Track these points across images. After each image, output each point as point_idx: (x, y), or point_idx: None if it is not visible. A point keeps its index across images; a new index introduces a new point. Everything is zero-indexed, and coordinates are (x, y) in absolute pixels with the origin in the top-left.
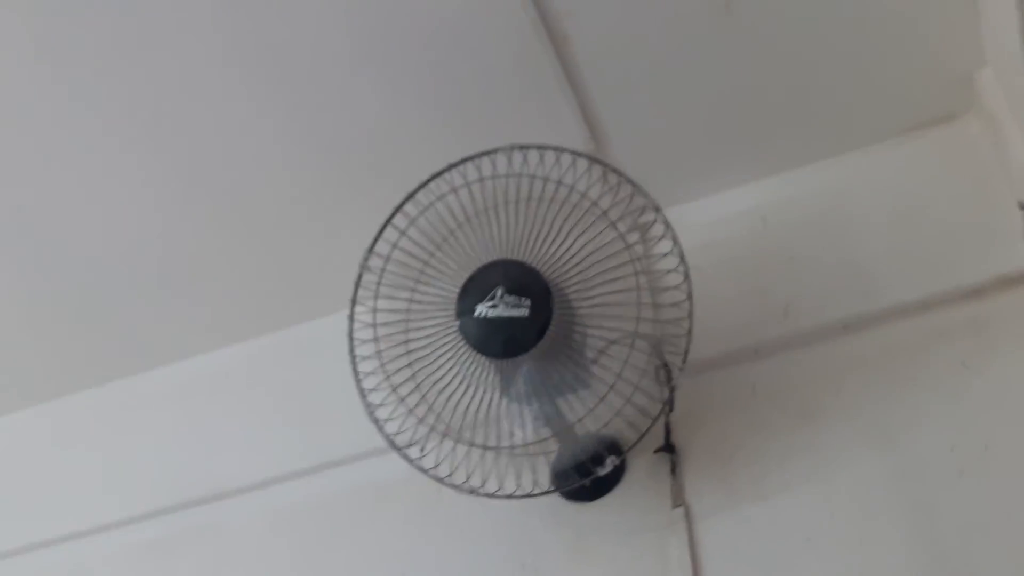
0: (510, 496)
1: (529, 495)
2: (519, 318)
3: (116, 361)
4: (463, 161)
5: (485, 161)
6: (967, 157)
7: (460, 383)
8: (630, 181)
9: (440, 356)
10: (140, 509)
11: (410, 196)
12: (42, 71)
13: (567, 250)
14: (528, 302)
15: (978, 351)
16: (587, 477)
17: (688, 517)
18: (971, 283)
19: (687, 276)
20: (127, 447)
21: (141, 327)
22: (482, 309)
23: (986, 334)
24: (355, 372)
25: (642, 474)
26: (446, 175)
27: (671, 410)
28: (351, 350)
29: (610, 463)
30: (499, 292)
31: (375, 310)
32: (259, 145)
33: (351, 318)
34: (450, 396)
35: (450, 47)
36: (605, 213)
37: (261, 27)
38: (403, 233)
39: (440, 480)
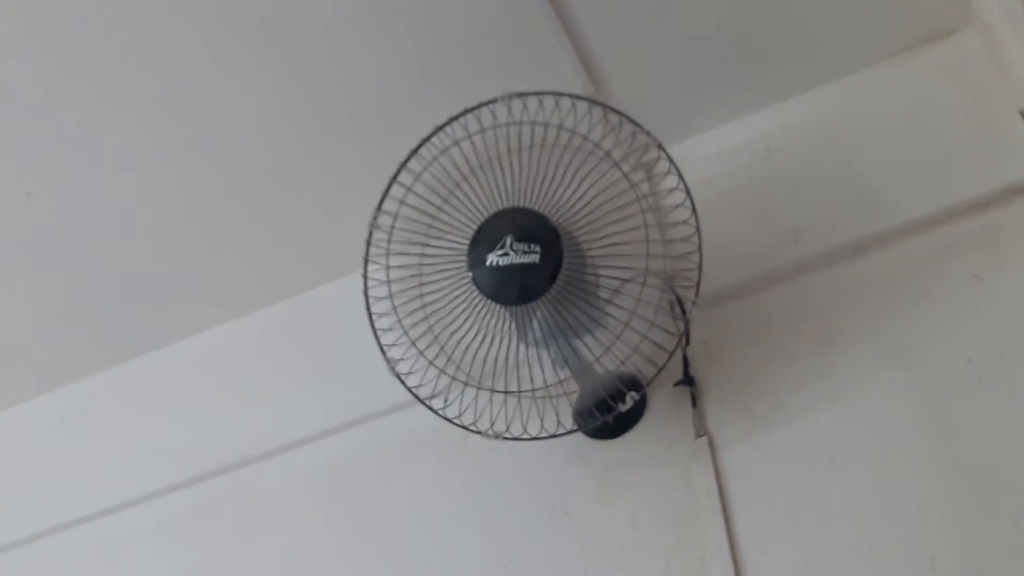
0: (535, 438)
1: (554, 436)
2: (530, 264)
3: (135, 339)
4: (463, 113)
5: (485, 112)
6: (967, 71)
7: (477, 332)
8: (631, 120)
9: (456, 308)
10: (170, 480)
11: (414, 152)
12: (42, 55)
13: (573, 193)
14: (538, 248)
15: (989, 262)
16: (609, 414)
17: (711, 446)
18: (978, 195)
19: (694, 210)
20: (153, 422)
21: (158, 303)
22: (493, 258)
23: (996, 245)
24: (373, 329)
25: (664, 408)
26: (447, 128)
27: (688, 343)
28: (367, 308)
29: (630, 399)
30: (508, 240)
31: (388, 267)
32: (260, 115)
33: (365, 277)
34: (468, 346)
35: (442, 1)
36: (608, 154)
37: (252, 2)
38: (409, 189)
39: (465, 428)
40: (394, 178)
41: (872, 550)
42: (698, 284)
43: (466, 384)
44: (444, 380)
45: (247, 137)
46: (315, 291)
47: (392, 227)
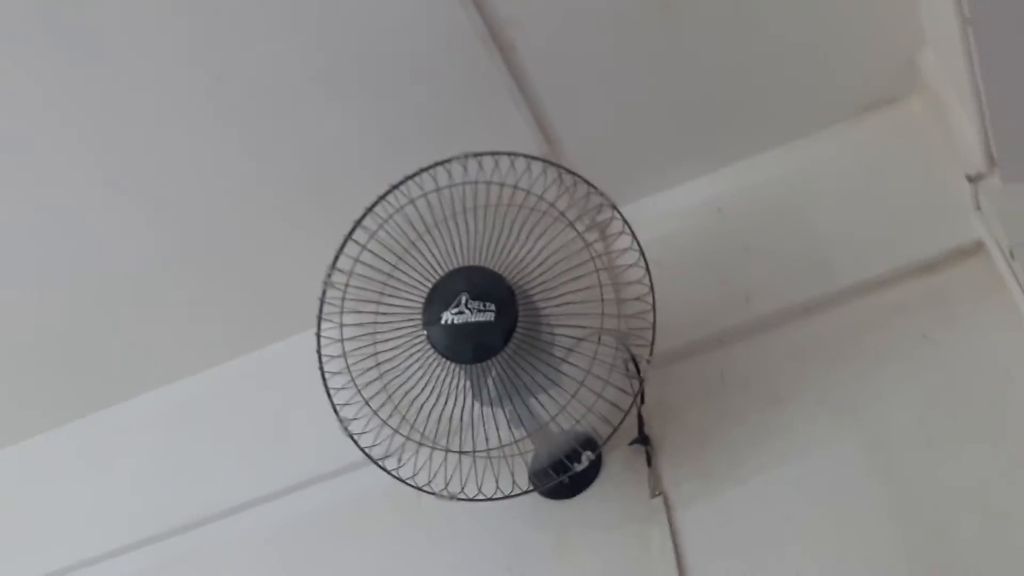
0: (490, 499)
1: (509, 496)
2: (485, 323)
3: (85, 396)
4: (419, 172)
5: (441, 171)
6: (914, 136)
7: (432, 391)
8: (585, 181)
9: (410, 366)
10: (122, 542)
11: (369, 210)
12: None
13: (528, 252)
14: (493, 306)
15: (938, 322)
16: (564, 474)
17: (667, 506)
18: (926, 257)
19: (648, 270)
20: (104, 480)
21: (109, 360)
22: (448, 317)
23: (944, 305)
24: (326, 388)
25: (619, 467)
26: (403, 187)
27: (642, 402)
28: (320, 366)
29: (586, 459)
30: (464, 299)
31: (342, 325)
32: (213, 173)
33: (318, 335)
34: (423, 405)
35: (400, 63)
36: (562, 214)
37: (213, 59)
38: (364, 247)
39: (419, 488)
40: (349, 236)
41: None
42: (652, 343)
43: (420, 444)
44: (398, 440)
45: (200, 194)
46: (268, 349)
47: (346, 285)
